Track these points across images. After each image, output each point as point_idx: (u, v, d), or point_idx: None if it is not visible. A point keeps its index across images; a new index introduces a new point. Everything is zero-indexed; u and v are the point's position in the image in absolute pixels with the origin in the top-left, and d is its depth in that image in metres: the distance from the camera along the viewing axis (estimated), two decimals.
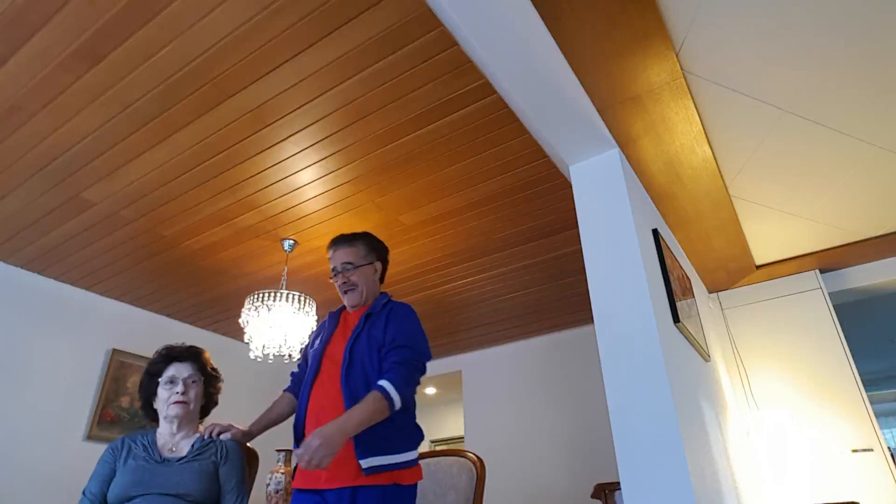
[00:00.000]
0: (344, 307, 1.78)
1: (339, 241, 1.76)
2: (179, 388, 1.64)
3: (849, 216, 2.94)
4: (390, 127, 2.36)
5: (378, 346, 1.55)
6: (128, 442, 1.60)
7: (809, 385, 3.19)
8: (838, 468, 2.97)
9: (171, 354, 1.70)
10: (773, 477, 3.01)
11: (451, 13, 1.64)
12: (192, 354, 1.72)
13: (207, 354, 1.78)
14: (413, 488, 1.47)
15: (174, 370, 1.67)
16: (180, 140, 2.42)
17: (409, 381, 1.49)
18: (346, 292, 1.71)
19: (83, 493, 1.51)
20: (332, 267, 1.73)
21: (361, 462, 1.38)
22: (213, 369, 1.78)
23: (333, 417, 1.41)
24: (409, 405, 1.55)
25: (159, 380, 1.66)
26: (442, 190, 2.79)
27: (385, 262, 1.82)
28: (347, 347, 1.56)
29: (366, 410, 1.39)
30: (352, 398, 1.45)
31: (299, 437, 1.52)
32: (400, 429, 1.49)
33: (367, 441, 1.40)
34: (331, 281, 1.76)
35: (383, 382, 1.44)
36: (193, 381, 1.68)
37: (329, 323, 1.73)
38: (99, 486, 1.51)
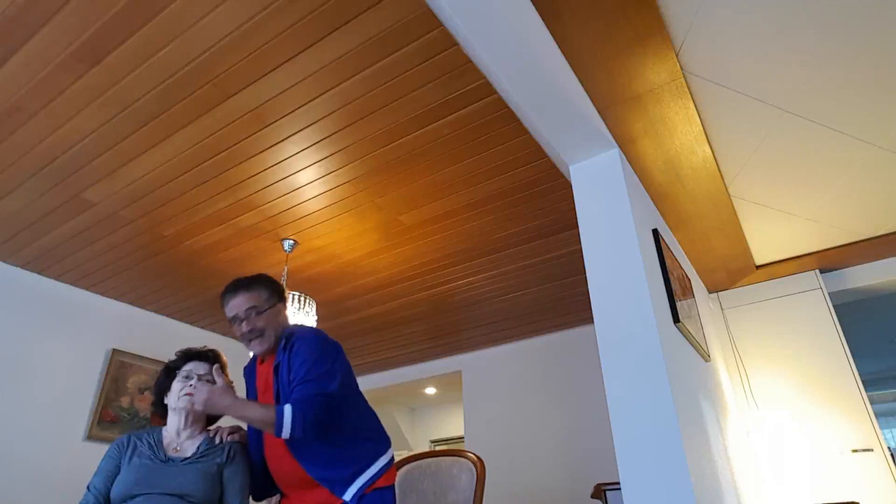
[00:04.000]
0: (255, 359, 1.71)
1: (236, 286, 1.64)
2: (194, 381, 1.66)
3: (849, 216, 2.94)
4: (390, 127, 2.36)
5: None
6: (133, 439, 1.60)
7: (809, 385, 3.19)
8: (838, 468, 2.97)
9: (191, 353, 1.73)
10: (773, 477, 3.01)
11: (451, 13, 1.64)
12: (211, 356, 1.75)
13: (225, 360, 1.79)
14: (390, 489, 1.50)
15: (191, 366, 1.69)
16: (180, 140, 2.42)
17: (315, 414, 1.40)
18: (250, 340, 1.60)
19: (87, 488, 1.52)
20: (230, 317, 1.61)
21: (344, 497, 1.42)
22: (228, 375, 1.79)
23: (294, 472, 1.47)
24: (353, 429, 1.53)
25: (177, 373, 1.69)
26: (442, 190, 2.79)
27: (284, 302, 1.73)
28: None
29: (246, 410, 1.41)
30: (300, 454, 1.46)
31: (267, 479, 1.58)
32: (362, 452, 1.50)
33: (339, 480, 1.43)
34: (232, 330, 1.65)
35: (286, 407, 1.39)
36: (208, 380, 1.69)
37: (248, 381, 1.70)
38: (103, 482, 1.51)
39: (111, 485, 1.51)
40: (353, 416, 1.55)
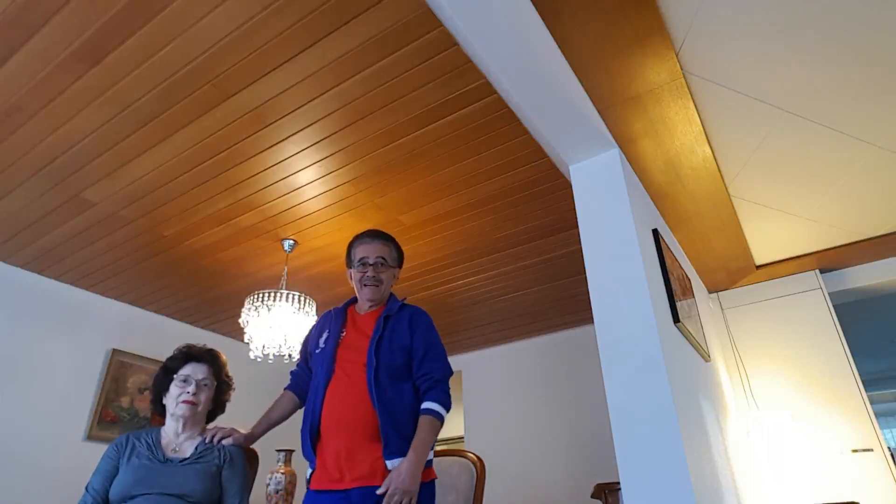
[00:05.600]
0: (348, 305, 1.76)
1: (378, 235, 1.76)
2: (192, 388, 1.65)
3: (849, 216, 2.94)
4: (390, 127, 2.36)
5: (401, 349, 1.57)
6: (132, 439, 1.60)
7: (809, 385, 3.19)
8: (838, 468, 2.97)
9: (190, 353, 1.71)
10: (773, 477, 3.01)
11: (451, 13, 1.64)
12: (210, 357, 1.73)
13: (225, 360, 1.78)
14: (431, 484, 1.51)
15: (190, 370, 1.68)
16: (180, 140, 2.42)
17: (448, 398, 1.56)
18: (367, 286, 1.68)
19: (86, 488, 1.52)
20: (360, 257, 1.71)
21: (388, 463, 1.42)
22: (228, 376, 1.78)
23: (360, 417, 1.46)
24: None
25: (174, 376, 1.67)
26: (442, 190, 2.79)
27: (399, 271, 1.83)
28: (371, 350, 1.55)
29: (429, 439, 1.47)
30: (382, 401, 1.47)
31: (314, 439, 1.52)
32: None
33: (396, 443, 1.44)
34: (350, 270, 1.74)
35: (432, 406, 1.51)
36: (206, 384, 1.69)
37: (335, 322, 1.70)
38: (101, 483, 1.51)
39: (109, 485, 1.51)
40: None
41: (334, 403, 1.52)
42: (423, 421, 1.49)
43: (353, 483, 1.42)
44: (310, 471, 1.53)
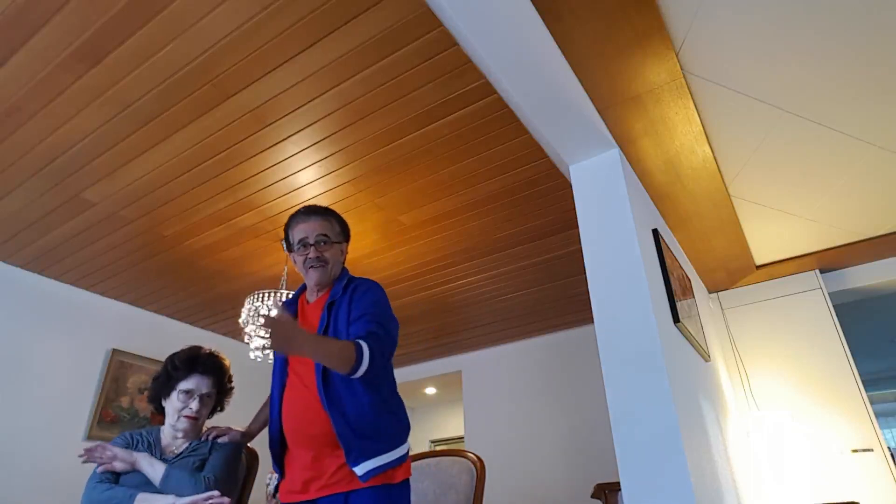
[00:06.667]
0: (298, 295, 1.63)
1: (314, 210, 1.58)
2: (195, 404, 1.60)
3: (849, 216, 2.94)
4: (390, 127, 2.36)
5: (346, 335, 1.42)
6: (135, 438, 1.60)
7: (809, 385, 3.19)
8: (838, 468, 2.97)
9: (196, 363, 1.64)
10: (773, 477, 3.01)
11: (451, 13, 1.64)
12: (215, 368, 1.68)
13: (228, 364, 1.74)
14: (405, 485, 1.40)
15: (194, 383, 1.62)
16: (180, 140, 2.42)
17: (381, 352, 1.36)
18: (311, 268, 1.53)
19: (100, 480, 1.48)
20: (299, 238, 1.55)
21: (356, 469, 1.31)
22: (230, 378, 1.75)
23: (316, 425, 1.35)
24: (388, 396, 1.45)
25: (178, 385, 1.62)
26: (442, 190, 2.79)
27: (348, 244, 1.67)
28: None
29: (332, 348, 1.28)
30: (332, 403, 1.35)
31: (281, 450, 1.45)
32: (387, 425, 1.40)
33: (358, 447, 1.32)
34: (292, 255, 1.58)
35: (362, 342, 1.32)
36: (209, 397, 1.65)
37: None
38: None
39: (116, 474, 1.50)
40: (388, 385, 1.47)
41: (291, 412, 1.42)
42: (341, 341, 1.32)
43: (319, 492, 1.34)
44: (276, 481, 1.46)
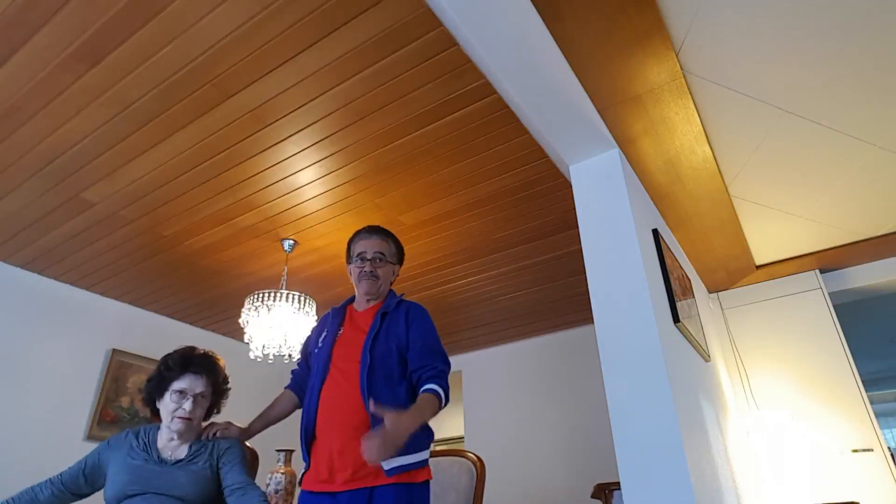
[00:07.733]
0: (347, 304, 1.76)
1: (377, 230, 1.77)
2: (188, 404, 1.59)
3: (849, 216, 2.94)
4: (390, 127, 2.36)
5: (398, 345, 1.55)
6: (130, 437, 1.60)
7: (809, 385, 3.19)
8: (838, 468, 2.97)
9: (189, 363, 1.64)
10: (773, 477, 3.01)
11: (451, 13, 1.64)
12: (208, 367, 1.66)
13: (223, 364, 1.74)
14: (426, 485, 1.48)
15: (187, 383, 1.61)
16: (180, 140, 2.42)
17: (448, 391, 1.53)
18: (364, 279, 1.68)
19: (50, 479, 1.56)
20: (358, 252, 1.72)
21: (383, 464, 1.38)
22: (225, 379, 1.74)
23: (352, 417, 1.44)
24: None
25: (171, 385, 1.61)
26: (442, 190, 2.79)
27: (399, 268, 1.83)
28: (366, 347, 1.53)
29: (426, 411, 1.42)
30: (374, 397, 1.43)
31: (309, 439, 1.51)
32: (418, 431, 1.47)
33: None
34: (350, 266, 1.74)
35: (434, 386, 1.47)
36: (203, 397, 1.64)
37: (333, 320, 1.70)
38: (73, 471, 1.57)
39: (82, 478, 1.56)
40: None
41: (328, 404, 1.51)
42: (424, 396, 1.44)
43: (344, 486, 1.40)
44: (303, 470, 1.53)
